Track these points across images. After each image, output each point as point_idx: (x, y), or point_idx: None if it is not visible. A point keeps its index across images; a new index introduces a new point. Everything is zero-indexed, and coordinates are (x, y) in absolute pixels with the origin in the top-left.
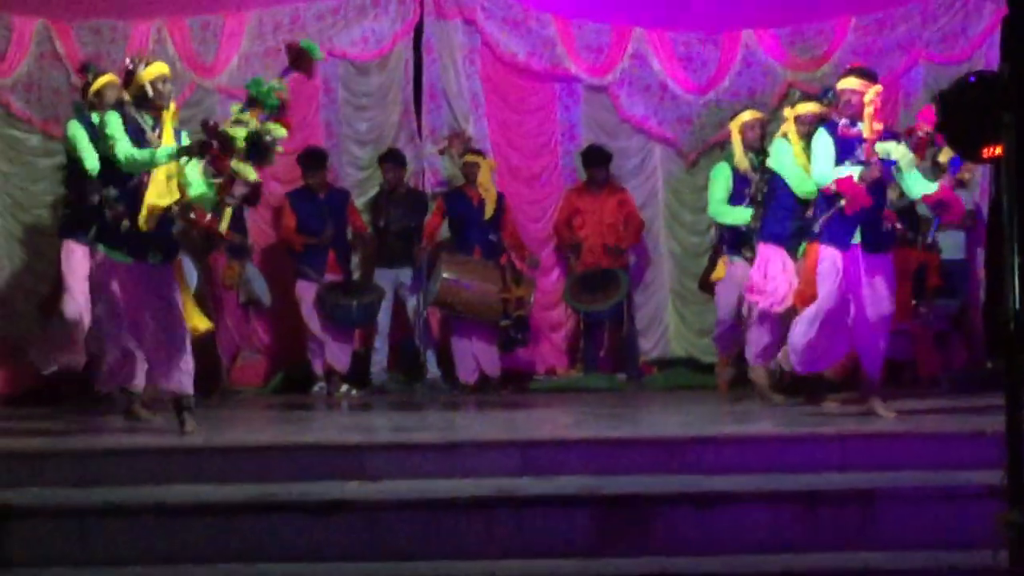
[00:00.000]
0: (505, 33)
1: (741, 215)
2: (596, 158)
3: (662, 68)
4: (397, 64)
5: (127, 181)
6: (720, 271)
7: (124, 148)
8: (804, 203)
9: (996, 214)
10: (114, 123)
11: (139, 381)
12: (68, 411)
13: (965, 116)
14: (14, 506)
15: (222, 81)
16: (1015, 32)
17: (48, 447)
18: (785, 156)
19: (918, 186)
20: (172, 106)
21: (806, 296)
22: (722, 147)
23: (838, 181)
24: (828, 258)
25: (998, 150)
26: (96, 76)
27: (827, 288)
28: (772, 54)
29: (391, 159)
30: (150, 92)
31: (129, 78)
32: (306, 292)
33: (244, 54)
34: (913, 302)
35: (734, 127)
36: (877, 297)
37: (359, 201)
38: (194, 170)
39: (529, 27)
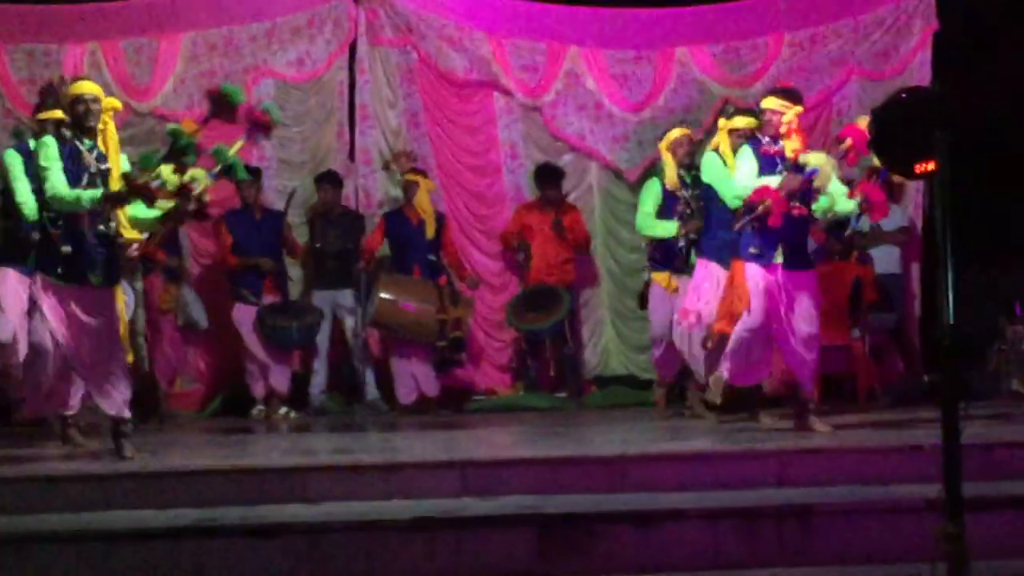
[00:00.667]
0: (442, 50)
1: (667, 228)
2: (549, 176)
3: (597, 86)
4: (332, 85)
5: None
6: (669, 283)
7: (52, 184)
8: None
9: (930, 229)
10: (49, 152)
11: (74, 404)
12: (1, 437)
13: (898, 132)
14: None
15: (157, 104)
16: (946, 48)
17: None
18: (715, 166)
19: (839, 198)
20: (111, 125)
21: (731, 313)
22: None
23: (756, 190)
24: (751, 275)
25: (931, 165)
26: (53, 106)
27: (752, 305)
28: (706, 71)
29: (328, 180)
30: (79, 109)
31: (53, 98)
32: (244, 315)
33: (179, 76)
34: (849, 317)
35: (663, 145)
36: (803, 315)
37: (290, 223)
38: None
39: (464, 46)
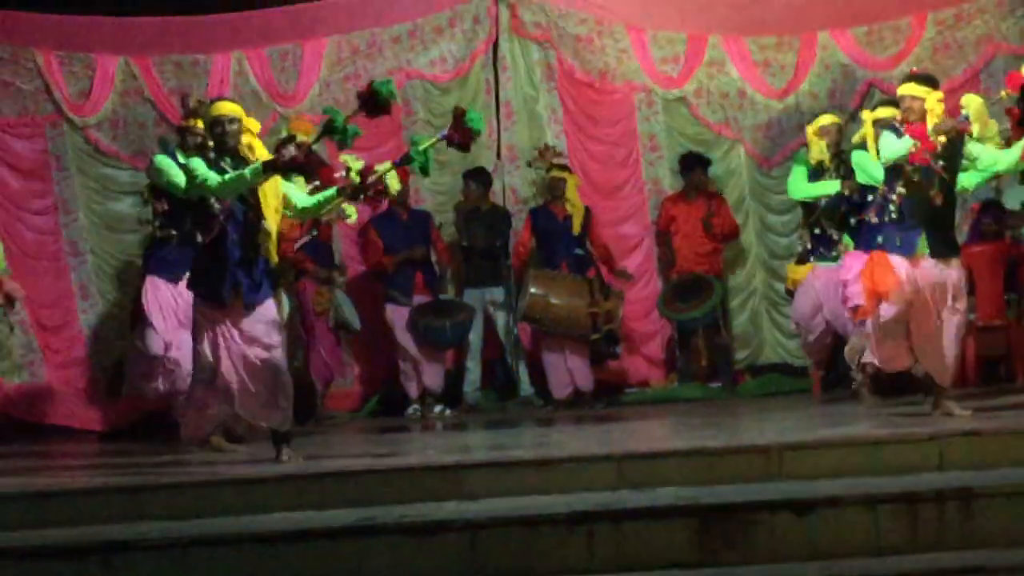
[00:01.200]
0: (579, 53)
1: (825, 187)
2: (693, 162)
3: (740, 74)
4: (475, 83)
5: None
6: (799, 273)
7: (207, 178)
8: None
9: None
10: (198, 163)
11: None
12: (161, 446)
13: None
14: (116, 540)
15: (304, 109)
16: None
17: (147, 481)
18: (867, 161)
19: (998, 154)
20: (254, 141)
21: (876, 296)
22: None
23: (908, 127)
24: (896, 264)
25: None
26: (195, 113)
27: (893, 296)
28: (850, 54)
29: (475, 177)
30: (217, 131)
31: (191, 118)
32: (397, 316)
33: (324, 80)
34: (1006, 296)
35: (812, 129)
36: (945, 304)
37: (438, 222)
38: (293, 187)
39: (603, 43)
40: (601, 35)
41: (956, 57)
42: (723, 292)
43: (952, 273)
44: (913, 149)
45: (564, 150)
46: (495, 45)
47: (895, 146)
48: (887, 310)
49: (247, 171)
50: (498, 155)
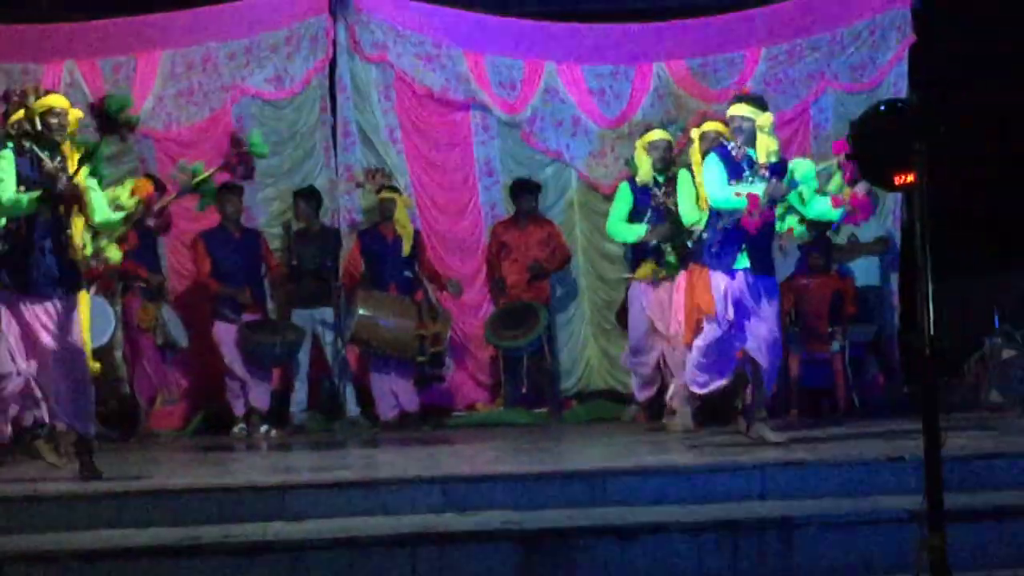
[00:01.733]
0: (419, 68)
1: (635, 231)
2: (524, 189)
3: (575, 101)
4: (311, 102)
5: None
6: (644, 271)
7: (5, 191)
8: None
9: (909, 240)
10: (4, 164)
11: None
12: None
13: (876, 144)
14: None
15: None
16: (923, 60)
17: None
18: (685, 186)
19: (820, 207)
20: (74, 135)
21: (692, 320)
22: None
23: (749, 196)
24: (715, 284)
25: (910, 177)
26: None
27: (716, 311)
28: (684, 85)
29: (307, 196)
30: (38, 125)
31: (16, 111)
32: (225, 333)
33: (157, 94)
34: (829, 330)
35: (640, 143)
36: (765, 320)
37: (270, 240)
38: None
39: (442, 63)
40: (439, 56)
41: (788, 92)
42: (549, 319)
43: (765, 291)
44: (745, 212)
45: (406, 171)
46: (332, 65)
47: (725, 197)
48: (703, 336)
49: (24, 199)
50: (336, 174)
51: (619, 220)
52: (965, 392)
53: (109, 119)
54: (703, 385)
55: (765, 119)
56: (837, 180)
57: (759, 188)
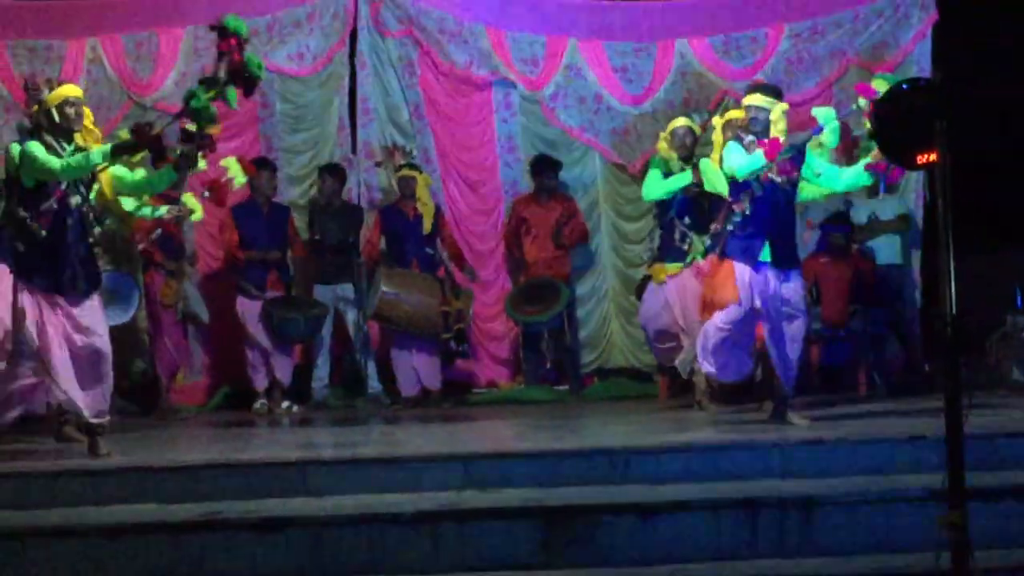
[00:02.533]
0: (442, 43)
1: (678, 180)
2: (544, 166)
3: (597, 79)
4: (334, 78)
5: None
6: (659, 275)
7: (50, 163)
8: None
9: (931, 219)
10: (36, 147)
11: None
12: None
13: (899, 123)
14: None
15: (159, 98)
16: (946, 38)
17: None
18: (711, 171)
19: (849, 177)
20: (90, 126)
21: (713, 307)
22: None
23: (770, 141)
24: (738, 273)
25: (932, 156)
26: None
27: (740, 297)
28: (706, 63)
29: (331, 172)
30: (56, 117)
31: (32, 103)
32: (248, 309)
33: (180, 70)
34: (850, 308)
35: (664, 135)
36: (789, 311)
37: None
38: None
39: (464, 39)
40: (461, 33)
41: (810, 70)
42: (570, 296)
43: (790, 284)
44: (765, 162)
45: (429, 147)
46: (353, 40)
47: (744, 160)
48: (723, 318)
49: (95, 152)
50: (353, 151)
51: (657, 181)
52: (987, 371)
53: (250, 77)
54: (721, 369)
55: (779, 110)
56: (871, 147)
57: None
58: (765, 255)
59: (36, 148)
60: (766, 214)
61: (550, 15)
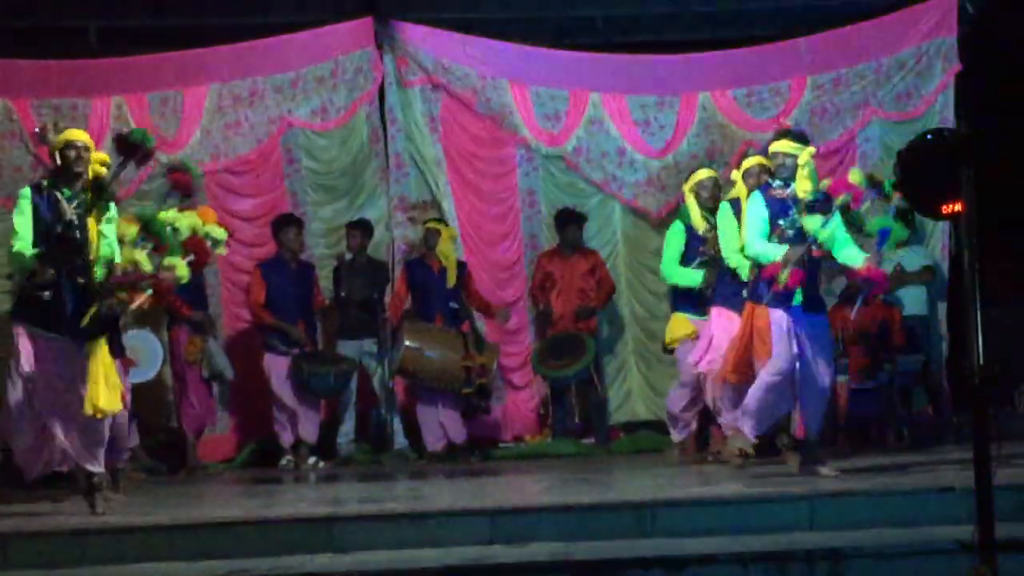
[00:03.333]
0: (462, 103)
1: (691, 278)
2: (569, 219)
3: (619, 132)
4: (359, 132)
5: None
6: (676, 330)
7: (16, 242)
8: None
9: (957, 269)
10: (21, 204)
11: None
12: (28, 492)
13: (924, 173)
14: None
15: (185, 155)
16: (970, 89)
17: (14, 528)
18: (724, 218)
19: (846, 254)
20: (99, 168)
21: (743, 360)
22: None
23: (766, 269)
24: (776, 320)
25: (957, 206)
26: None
27: (779, 349)
28: (729, 115)
29: (359, 227)
30: (58, 160)
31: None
32: (275, 364)
33: (205, 128)
34: (876, 359)
35: (688, 187)
36: (817, 357)
37: (322, 273)
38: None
39: (487, 95)
40: (484, 88)
41: (834, 120)
42: (597, 349)
43: (818, 328)
44: (777, 275)
45: (451, 200)
46: (382, 96)
47: (758, 251)
48: (770, 370)
49: (27, 255)
50: (388, 205)
51: (673, 263)
52: (1015, 422)
53: (129, 144)
54: (757, 428)
55: (806, 155)
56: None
57: (781, 250)
58: (797, 299)
59: (16, 212)
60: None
61: (573, 70)
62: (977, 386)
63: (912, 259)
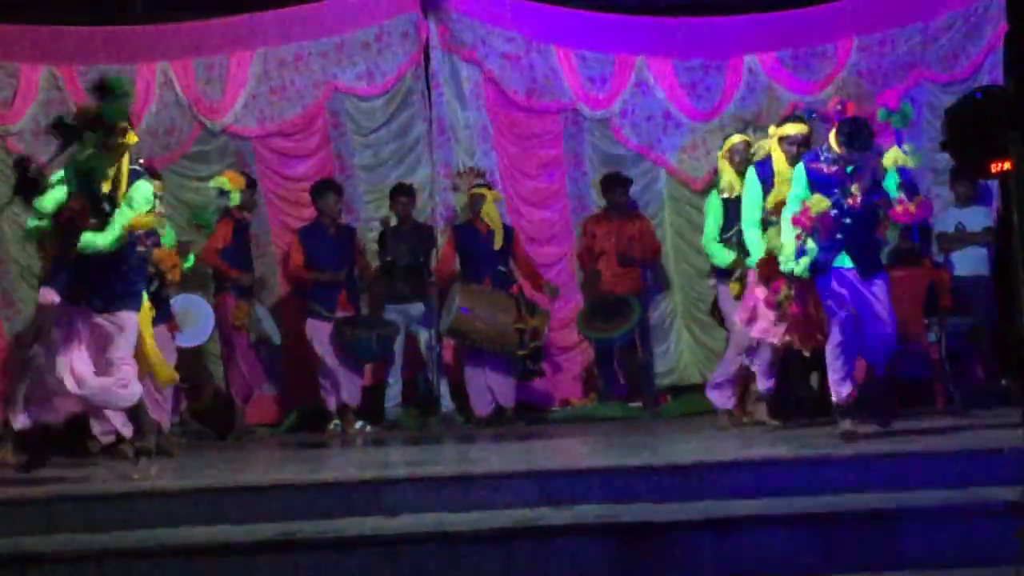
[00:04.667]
0: (507, 70)
1: (723, 258)
2: (615, 183)
3: (665, 96)
4: (404, 97)
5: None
6: (735, 289)
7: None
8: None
9: (1005, 230)
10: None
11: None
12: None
13: (972, 132)
14: (29, 552)
15: (229, 121)
16: (1019, 47)
17: (60, 492)
18: (749, 185)
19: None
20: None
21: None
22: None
23: (794, 218)
24: (826, 289)
25: (1006, 165)
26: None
27: (838, 317)
28: (775, 77)
29: (403, 192)
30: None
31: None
32: (317, 330)
33: (250, 93)
34: (925, 321)
35: (721, 153)
36: (877, 315)
37: (368, 236)
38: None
39: (531, 61)
40: (529, 53)
41: (880, 83)
42: (643, 312)
43: (875, 288)
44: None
45: (495, 166)
46: (427, 61)
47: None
48: (833, 335)
49: (31, 225)
50: (433, 170)
51: (713, 239)
52: None
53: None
54: (845, 394)
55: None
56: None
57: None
58: (844, 261)
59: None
60: (843, 231)
61: (618, 34)
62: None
63: (974, 219)
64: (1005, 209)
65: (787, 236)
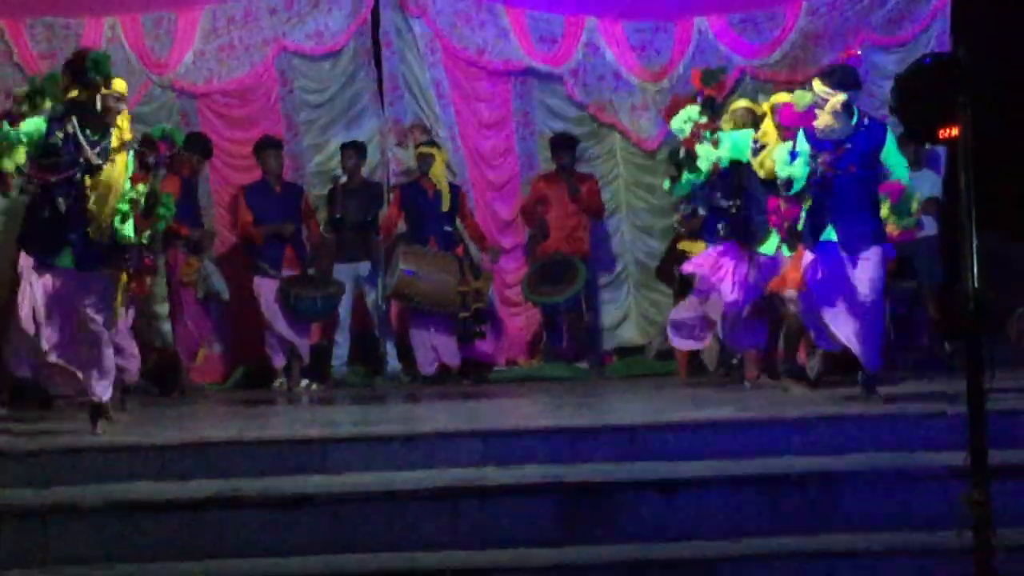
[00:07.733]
0: (457, 28)
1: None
2: (562, 144)
3: (615, 57)
4: (353, 57)
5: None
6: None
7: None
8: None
9: (952, 194)
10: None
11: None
12: (23, 413)
13: (921, 98)
14: None
15: (176, 77)
16: (965, 11)
17: (7, 446)
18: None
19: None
20: (126, 122)
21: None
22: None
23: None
24: (805, 258)
25: (954, 131)
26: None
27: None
28: (724, 40)
29: (352, 148)
30: (99, 105)
31: (78, 82)
32: (264, 288)
33: (198, 50)
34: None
35: (725, 119)
36: (857, 287)
37: (317, 193)
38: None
39: (482, 20)
40: (480, 12)
41: (827, 46)
42: (589, 274)
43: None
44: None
45: (452, 123)
46: (376, 20)
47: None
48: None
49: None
50: (384, 128)
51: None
52: (1006, 350)
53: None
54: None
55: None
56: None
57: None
58: (830, 235)
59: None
60: (828, 200)
61: None
62: (970, 313)
63: (922, 184)
64: (952, 175)
65: (779, 149)
